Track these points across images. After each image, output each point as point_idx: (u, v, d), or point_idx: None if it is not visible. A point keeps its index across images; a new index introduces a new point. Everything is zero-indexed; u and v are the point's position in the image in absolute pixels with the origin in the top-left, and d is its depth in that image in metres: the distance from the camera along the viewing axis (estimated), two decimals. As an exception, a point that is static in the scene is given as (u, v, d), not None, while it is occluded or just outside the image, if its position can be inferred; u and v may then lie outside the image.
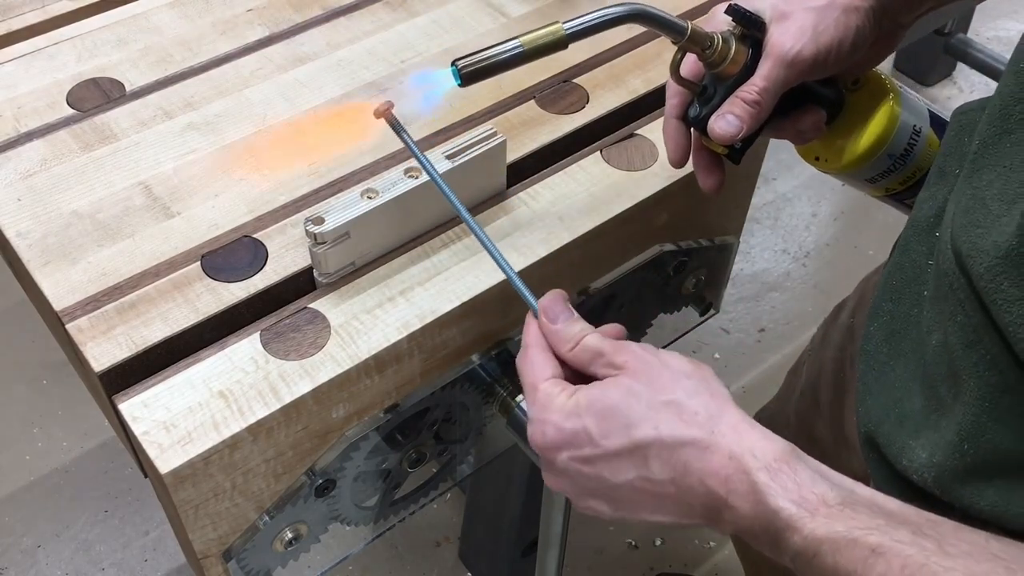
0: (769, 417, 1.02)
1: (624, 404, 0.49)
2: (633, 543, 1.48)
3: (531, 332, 0.55)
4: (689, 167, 0.72)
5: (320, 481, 0.63)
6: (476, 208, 0.68)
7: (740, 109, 0.58)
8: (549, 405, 0.51)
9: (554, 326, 0.54)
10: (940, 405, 0.52)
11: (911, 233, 0.62)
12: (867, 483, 0.48)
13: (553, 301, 0.55)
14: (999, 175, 0.47)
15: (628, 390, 0.49)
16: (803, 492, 0.45)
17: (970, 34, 2.13)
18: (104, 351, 0.59)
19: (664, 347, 0.88)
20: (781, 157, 2.06)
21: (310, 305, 0.62)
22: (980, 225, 0.46)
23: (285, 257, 0.65)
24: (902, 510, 0.45)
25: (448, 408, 0.69)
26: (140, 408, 0.57)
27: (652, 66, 0.80)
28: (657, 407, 0.48)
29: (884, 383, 0.58)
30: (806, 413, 0.92)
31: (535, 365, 0.53)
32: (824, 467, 0.47)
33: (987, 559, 0.42)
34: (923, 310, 0.55)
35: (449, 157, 0.64)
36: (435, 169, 0.59)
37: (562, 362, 0.53)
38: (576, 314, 0.54)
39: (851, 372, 0.80)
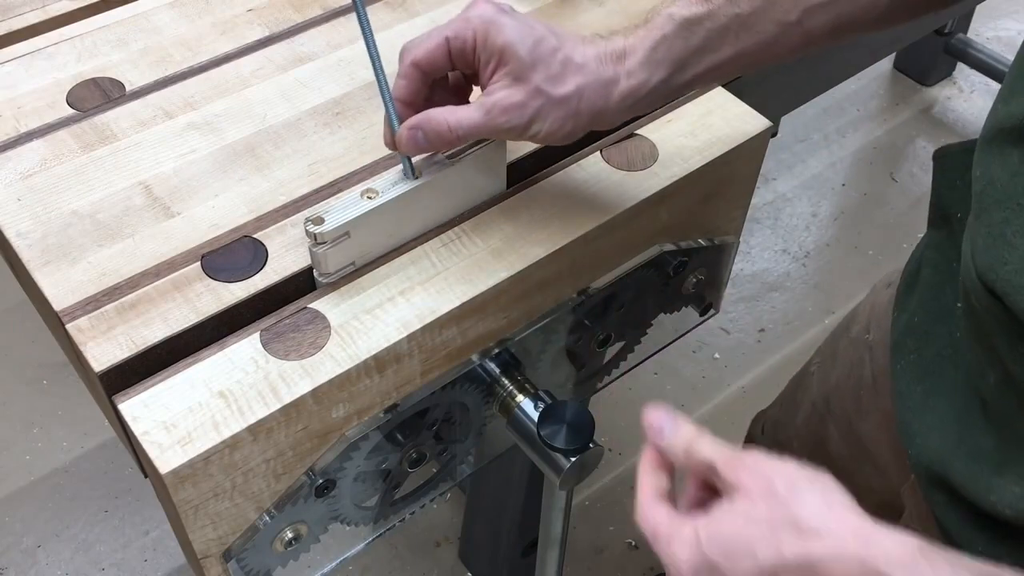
0: (773, 426, 1.02)
1: (745, 532, 0.47)
2: (633, 543, 1.48)
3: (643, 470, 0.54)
4: (688, 169, 0.72)
5: (320, 481, 0.63)
6: (476, 208, 0.68)
7: (430, 128, 0.59)
8: (672, 541, 0.50)
9: (660, 443, 0.53)
10: (1021, 440, 0.52)
11: (931, 273, 0.61)
12: (913, 508, 0.48)
13: (657, 415, 0.54)
14: (1014, 212, 0.47)
15: (747, 516, 0.48)
16: None
17: (970, 34, 2.13)
18: (104, 351, 0.59)
19: (664, 347, 0.88)
20: (781, 157, 2.06)
21: (310, 305, 0.62)
22: (1007, 262, 0.46)
23: (285, 257, 0.65)
24: None
25: (448, 408, 0.69)
26: (140, 408, 0.57)
27: (652, 66, 0.80)
28: (776, 527, 0.47)
29: (929, 423, 0.58)
30: (817, 428, 0.90)
31: (649, 505, 0.52)
32: (957, 556, 0.45)
33: None
34: (958, 351, 0.55)
35: (449, 157, 0.65)
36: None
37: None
38: (681, 421, 0.53)
39: (872, 392, 0.79)
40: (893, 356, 0.61)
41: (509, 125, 0.59)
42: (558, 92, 0.58)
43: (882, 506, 0.74)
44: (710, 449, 0.51)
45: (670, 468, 0.54)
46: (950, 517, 0.58)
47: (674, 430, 0.53)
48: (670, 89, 0.60)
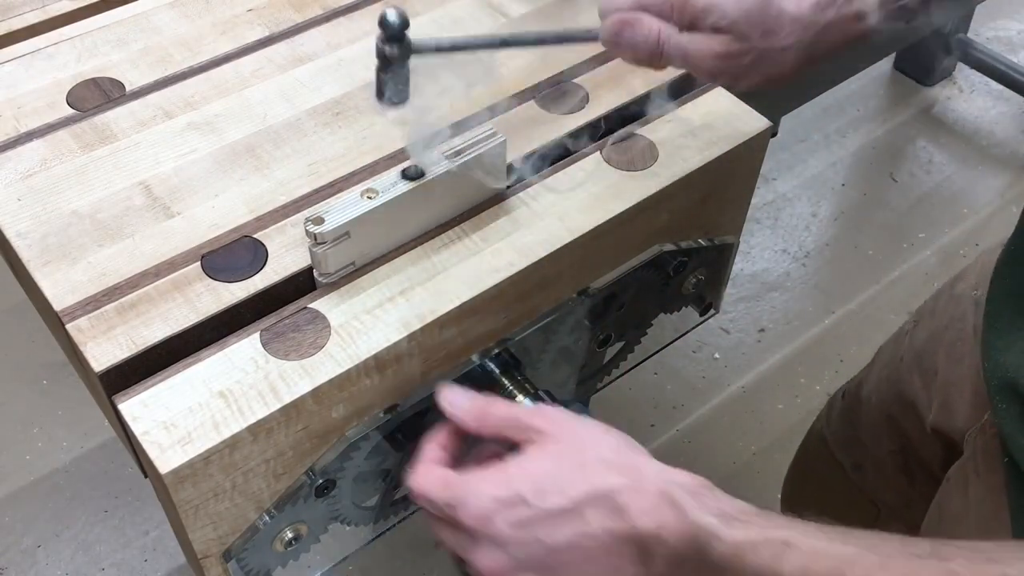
0: (856, 385, 1.03)
1: (555, 466, 0.51)
2: (633, 543, 1.48)
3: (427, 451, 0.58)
4: (688, 169, 0.72)
5: (320, 481, 0.63)
6: (476, 208, 0.68)
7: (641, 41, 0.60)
8: (476, 481, 0.52)
9: (456, 411, 0.57)
10: None
11: None
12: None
13: (451, 391, 0.58)
14: None
15: (555, 456, 0.51)
16: (722, 507, 0.50)
17: (970, 34, 2.13)
18: (104, 351, 0.59)
19: (664, 347, 0.88)
20: (781, 157, 2.06)
21: (310, 305, 0.62)
22: None
23: (285, 257, 0.65)
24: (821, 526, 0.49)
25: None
26: (140, 408, 0.57)
27: (652, 66, 0.80)
28: (584, 465, 0.51)
29: (1012, 340, 0.62)
30: (899, 377, 0.93)
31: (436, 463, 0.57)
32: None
33: (906, 556, 0.47)
34: None
35: (449, 157, 0.65)
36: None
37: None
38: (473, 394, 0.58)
39: (972, 342, 0.82)
40: (992, 280, 0.67)
41: (728, 71, 0.60)
42: (776, 45, 0.59)
43: (945, 447, 0.83)
44: (507, 406, 0.56)
45: (456, 444, 0.58)
46: (1012, 428, 0.62)
47: (468, 398, 0.57)
48: (887, 21, 0.62)
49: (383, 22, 0.58)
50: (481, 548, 0.51)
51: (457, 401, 0.57)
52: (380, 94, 0.61)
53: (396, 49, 0.59)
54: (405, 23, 0.58)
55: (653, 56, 0.61)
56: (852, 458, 1.02)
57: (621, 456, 0.52)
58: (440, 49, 0.61)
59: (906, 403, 0.90)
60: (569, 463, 0.51)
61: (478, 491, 0.51)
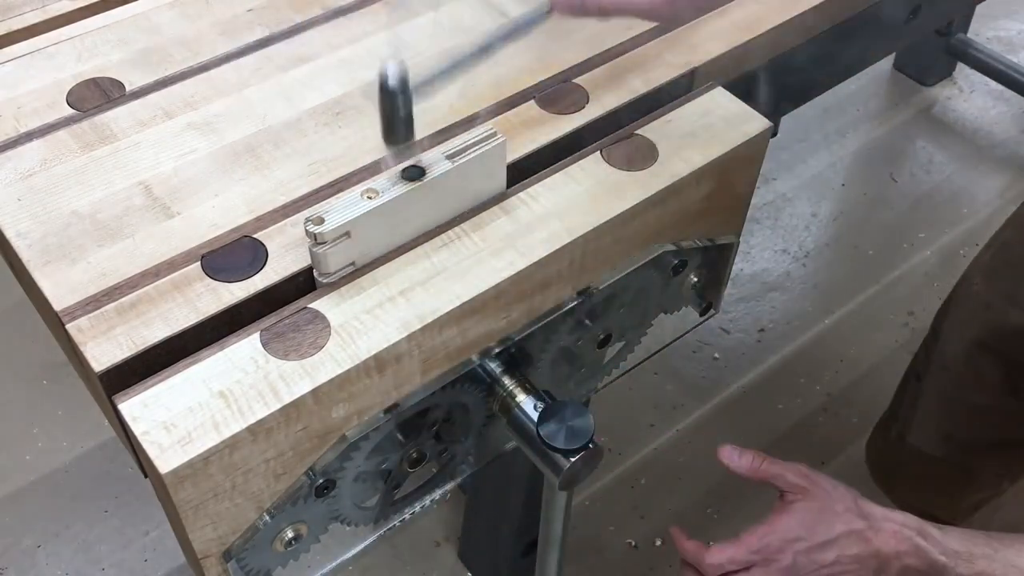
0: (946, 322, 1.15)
1: (818, 515, 0.74)
2: (633, 543, 1.48)
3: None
4: (688, 169, 0.72)
5: (320, 481, 0.63)
6: (476, 208, 0.68)
7: None
8: (766, 532, 0.76)
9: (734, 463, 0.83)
10: None
11: None
12: None
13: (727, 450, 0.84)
14: None
15: (818, 508, 0.75)
16: (947, 545, 0.71)
17: (970, 34, 2.13)
18: (104, 351, 0.59)
19: (664, 347, 0.88)
20: (781, 157, 2.06)
21: (310, 305, 0.62)
22: None
23: (285, 257, 0.65)
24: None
25: (448, 408, 0.69)
26: (140, 408, 0.57)
27: (652, 66, 0.80)
28: (839, 513, 0.74)
29: None
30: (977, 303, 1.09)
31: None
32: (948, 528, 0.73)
33: None
34: None
35: (449, 157, 0.65)
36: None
37: None
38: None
39: None
40: None
41: None
42: None
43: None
44: (775, 465, 0.79)
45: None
46: None
47: (743, 453, 0.81)
48: None
49: (383, 87, 0.63)
50: (772, 572, 0.75)
51: (735, 460, 0.82)
52: (388, 135, 0.67)
53: (400, 99, 0.65)
54: (405, 82, 0.63)
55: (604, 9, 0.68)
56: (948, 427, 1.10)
57: (859, 505, 0.74)
58: (434, 81, 0.70)
59: (999, 326, 1.00)
60: (827, 513, 0.73)
61: (771, 539, 0.74)
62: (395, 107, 0.65)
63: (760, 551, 0.75)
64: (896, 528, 0.72)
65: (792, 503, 0.75)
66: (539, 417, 0.69)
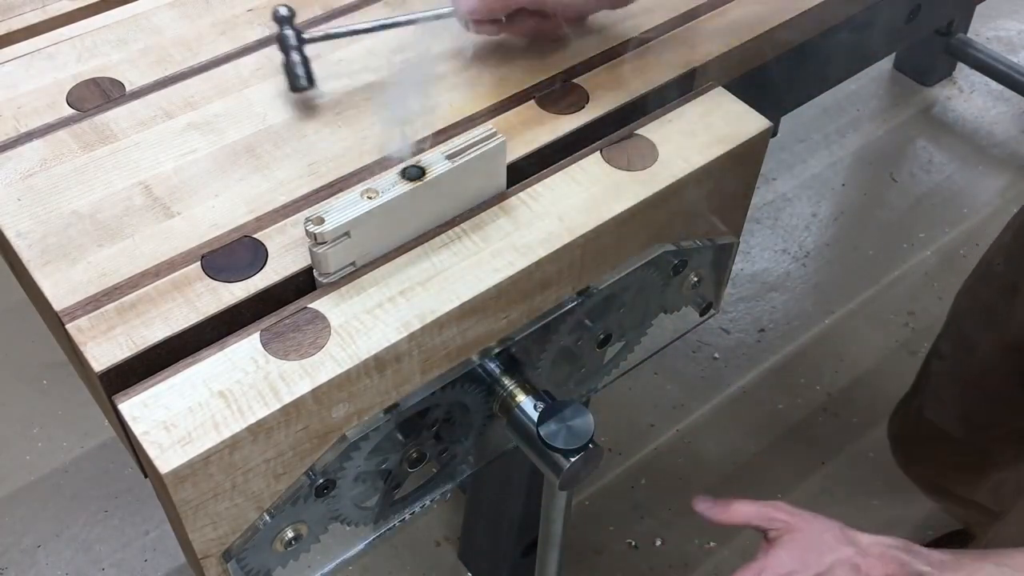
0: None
1: (808, 547, 0.74)
2: (633, 543, 1.48)
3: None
4: (688, 169, 0.72)
5: (320, 481, 0.63)
6: (476, 208, 0.68)
7: None
8: (762, 567, 0.75)
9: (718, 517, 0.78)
10: None
11: None
12: None
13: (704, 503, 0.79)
14: None
15: (805, 540, 0.74)
16: (931, 558, 0.70)
17: (970, 34, 2.13)
18: (104, 351, 0.59)
19: (664, 347, 0.88)
20: (781, 157, 2.06)
21: (310, 305, 0.62)
22: None
23: (285, 257, 0.65)
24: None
25: (448, 408, 0.69)
26: (140, 408, 0.57)
27: (652, 66, 0.80)
28: (827, 543, 0.74)
29: None
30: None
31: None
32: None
33: None
34: None
35: (449, 157, 0.65)
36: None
37: None
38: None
39: None
40: None
41: None
42: None
43: None
44: (753, 506, 0.77)
45: None
46: None
47: (717, 501, 0.78)
48: None
49: (275, 16, 0.75)
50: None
51: (711, 509, 0.78)
52: (291, 81, 0.75)
53: (290, 33, 0.74)
54: (292, 14, 0.75)
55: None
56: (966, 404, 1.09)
57: (845, 534, 0.74)
58: (329, 37, 0.77)
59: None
60: (816, 543, 0.73)
61: (765, 574, 0.74)
62: (289, 53, 0.74)
63: None
64: (883, 550, 0.72)
65: (778, 539, 0.75)
66: (539, 417, 0.69)
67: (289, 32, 0.75)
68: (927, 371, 1.19)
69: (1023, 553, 0.66)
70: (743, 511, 0.76)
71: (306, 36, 0.75)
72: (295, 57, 0.75)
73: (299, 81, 0.75)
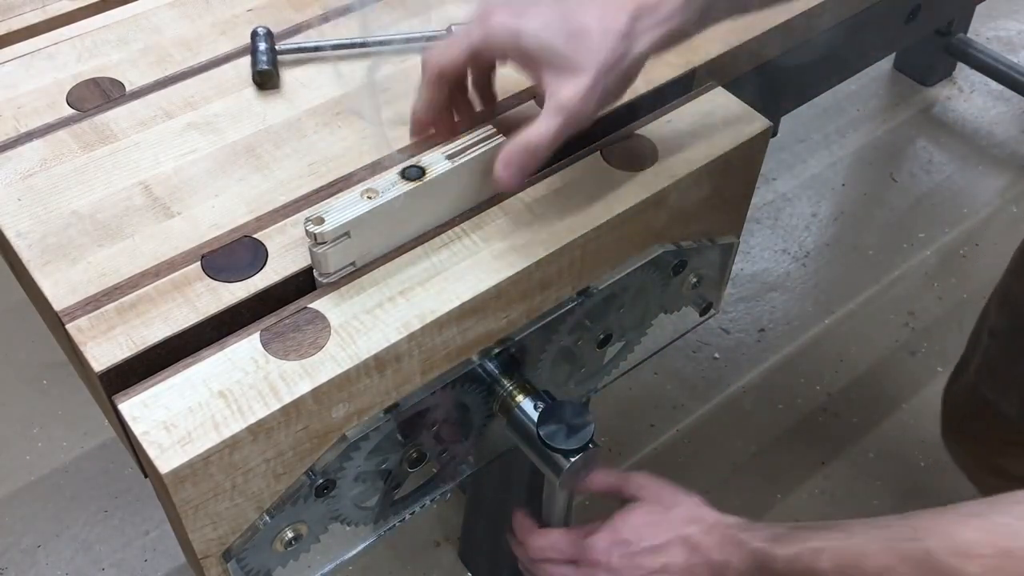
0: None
1: (648, 520, 0.74)
2: (633, 543, 1.48)
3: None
4: (688, 169, 0.72)
5: (320, 481, 0.63)
6: (476, 208, 0.68)
7: (518, 156, 0.63)
8: (596, 534, 0.75)
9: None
10: None
11: None
12: None
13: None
14: None
15: (648, 511, 0.74)
16: (771, 532, 0.68)
17: (970, 34, 2.13)
18: (104, 351, 0.59)
19: (664, 347, 0.88)
20: (781, 157, 2.06)
21: (310, 305, 0.62)
22: None
23: (285, 257, 0.65)
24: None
25: (448, 408, 0.69)
26: (140, 408, 0.57)
27: (652, 66, 0.80)
28: (670, 518, 0.73)
29: None
30: None
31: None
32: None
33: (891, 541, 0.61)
34: None
35: (449, 157, 0.65)
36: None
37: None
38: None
39: None
40: None
41: (587, 112, 0.62)
42: (609, 61, 0.61)
43: None
44: (617, 475, 0.77)
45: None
46: None
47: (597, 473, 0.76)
48: (701, 26, 0.64)
49: (254, 34, 0.79)
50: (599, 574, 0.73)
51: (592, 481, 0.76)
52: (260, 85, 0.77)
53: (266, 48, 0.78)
54: (270, 34, 0.80)
55: (546, 156, 0.63)
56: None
57: (694, 512, 0.72)
58: (303, 50, 0.80)
59: None
60: (659, 518, 0.73)
61: (597, 540, 0.73)
62: (258, 57, 0.78)
63: (586, 549, 0.74)
64: (723, 530, 0.70)
65: (628, 509, 0.75)
66: (539, 417, 0.69)
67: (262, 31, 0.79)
68: (978, 346, 1.16)
69: (862, 523, 0.64)
70: (599, 479, 0.76)
71: (279, 47, 0.79)
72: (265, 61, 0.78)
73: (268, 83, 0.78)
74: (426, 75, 0.65)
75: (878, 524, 0.62)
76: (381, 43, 0.80)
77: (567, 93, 0.61)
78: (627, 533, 0.73)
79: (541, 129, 0.61)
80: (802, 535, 0.65)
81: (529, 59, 0.62)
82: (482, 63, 0.66)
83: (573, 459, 0.68)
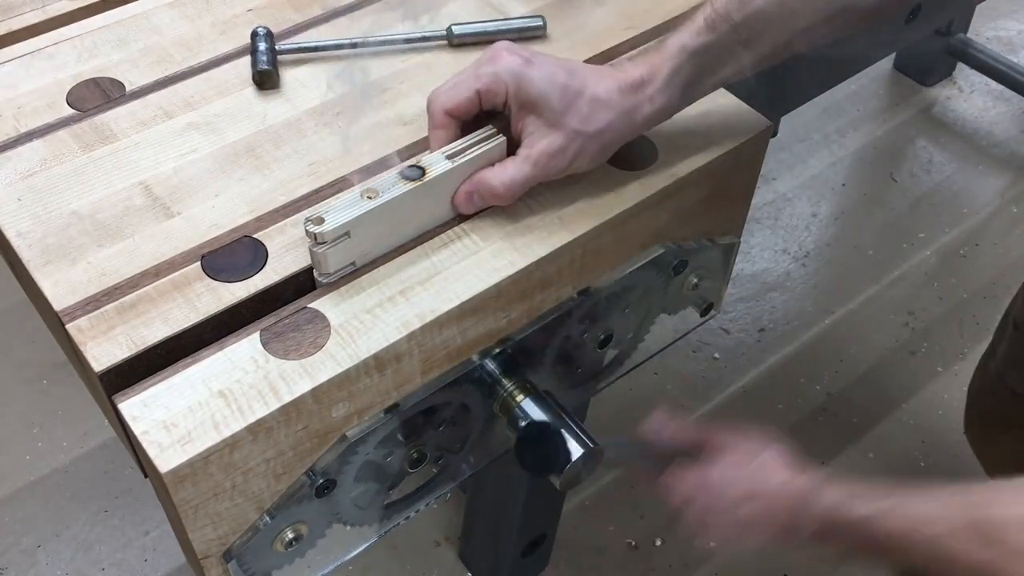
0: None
1: (733, 470, 0.76)
2: (633, 543, 1.48)
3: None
4: (688, 169, 0.72)
5: (320, 481, 0.63)
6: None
7: (479, 195, 0.66)
8: (695, 476, 0.79)
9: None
10: None
11: None
12: None
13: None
14: None
15: (734, 463, 0.76)
16: (849, 489, 0.70)
17: (970, 34, 2.13)
18: (104, 351, 0.59)
19: (664, 348, 0.88)
20: (781, 157, 2.06)
21: (310, 305, 0.62)
22: None
23: (285, 257, 0.65)
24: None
25: (448, 408, 0.69)
26: (140, 408, 0.57)
27: (652, 66, 0.80)
28: (753, 472, 0.76)
29: None
30: None
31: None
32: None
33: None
34: None
35: (449, 157, 0.65)
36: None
37: None
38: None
39: None
40: None
41: (556, 169, 0.66)
42: (592, 129, 0.65)
43: None
44: (699, 427, 0.80)
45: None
46: None
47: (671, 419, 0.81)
48: (684, 103, 0.69)
49: (254, 34, 0.80)
50: (696, 507, 0.77)
51: (663, 426, 0.82)
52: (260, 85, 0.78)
53: (266, 48, 0.79)
54: (270, 34, 0.80)
55: (509, 199, 0.67)
56: None
57: (772, 474, 0.75)
58: (303, 50, 0.80)
59: None
60: (734, 472, 0.76)
61: (693, 482, 0.78)
62: (258, 57, 0.78)
63: (694, 491, 0.78)
64: (800, 486, 0.73)
65: (717, 455, 0.77)
66: (516, 450, 0.69)
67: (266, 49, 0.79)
68: (1003, 335, 1.15)
69: (923, 489, 0.65)
70: (680, 432, 0.80)
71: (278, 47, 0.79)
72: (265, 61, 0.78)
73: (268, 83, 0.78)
74: (433, 119, 0.67)
75: (938, 492, 0.65)
76: (381, 43, 0.80)
77: (541, 147, 0.65)
78: (719, 482, 0.76)
79: (510, 173, 0.65)
80: (867, 498, 0.68)
81: (523, 103, 0.65)
82: (486, 105, 0.67)
83: (559, 477, 0.68)
